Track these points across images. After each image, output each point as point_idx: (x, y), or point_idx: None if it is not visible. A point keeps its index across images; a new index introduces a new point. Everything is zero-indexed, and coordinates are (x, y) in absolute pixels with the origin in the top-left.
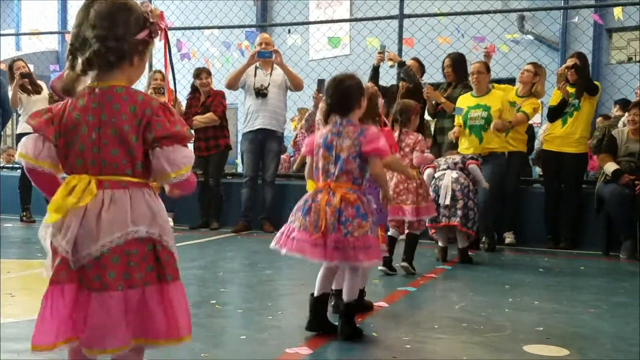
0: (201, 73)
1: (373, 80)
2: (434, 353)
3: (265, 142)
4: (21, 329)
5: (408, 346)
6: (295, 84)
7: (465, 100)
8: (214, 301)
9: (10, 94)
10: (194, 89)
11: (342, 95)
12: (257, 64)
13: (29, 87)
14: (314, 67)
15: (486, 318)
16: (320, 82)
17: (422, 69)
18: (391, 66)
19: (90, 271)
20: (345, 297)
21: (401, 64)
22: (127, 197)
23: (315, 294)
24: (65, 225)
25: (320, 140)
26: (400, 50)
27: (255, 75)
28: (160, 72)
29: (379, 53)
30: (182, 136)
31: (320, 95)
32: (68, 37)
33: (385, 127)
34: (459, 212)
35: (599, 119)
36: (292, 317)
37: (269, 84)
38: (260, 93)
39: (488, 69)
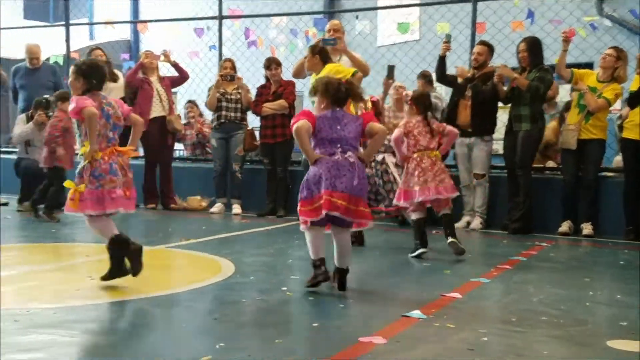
0: (271, 64)
1: (440, 71)
2: (512, 346)
3: None
4: (100, 311)
5: (485, 339)
6: (361, 69)
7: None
8: (285, 288)
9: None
10: (267, 78)
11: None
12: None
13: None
14: (384, 53)
15: (566, 311)
16: (390, 68)
17: (491, 52)
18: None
19: None
20: None
21: (469, 80)
22: None
23: None
24: None
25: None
26: (473, 35)
27: None
28: (230, 60)
29: (445, 42)
30: None
31: (391, 81)
32: (140, 27)
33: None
34: None
35: None
36: (363, 306)
37: None
38: None
39: None
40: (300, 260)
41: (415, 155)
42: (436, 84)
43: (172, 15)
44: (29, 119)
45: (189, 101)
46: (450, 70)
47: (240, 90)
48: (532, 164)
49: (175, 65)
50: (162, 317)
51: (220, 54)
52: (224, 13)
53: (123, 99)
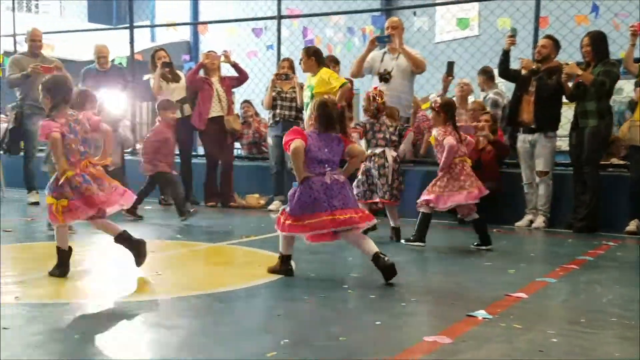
0: (329, 63)
1: (503, 66)
2: (583, 348)
3: None
4: (166, 306)
5: (554, 340)
6: (416, 65)
7: None
8: (346, 286)
9: (151, 82)
10: None
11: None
12: (386, 48)
13: (169, 75)
14: (443, 49)
15: (637, 312)
16: (450, 64)
17: (557, 47)
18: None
19: None
20: None
21: (534, 72)
22: None
23: None
24: None
25: None
26: (536, 29)
27: (382, 60)
28: (288, 59)
29: (510, 37)
30: None
31: (450, 78)
32: (200, 28)
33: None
34: (395, 191)
35: None
36: (426, 305)
37: (392, 68)
38: (383, 78)
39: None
40: (360, 258)
41: (457, 161)
42: (497, 80)
43: (231, 15)
44: None
45: (245, 101)
46: (513, 65)
47: (295, 89)
48: (599, 161)
49: (235, 66)
50: (226, 313)
51: (279, 54)
52: (283, 13)
53: (184, 98)
